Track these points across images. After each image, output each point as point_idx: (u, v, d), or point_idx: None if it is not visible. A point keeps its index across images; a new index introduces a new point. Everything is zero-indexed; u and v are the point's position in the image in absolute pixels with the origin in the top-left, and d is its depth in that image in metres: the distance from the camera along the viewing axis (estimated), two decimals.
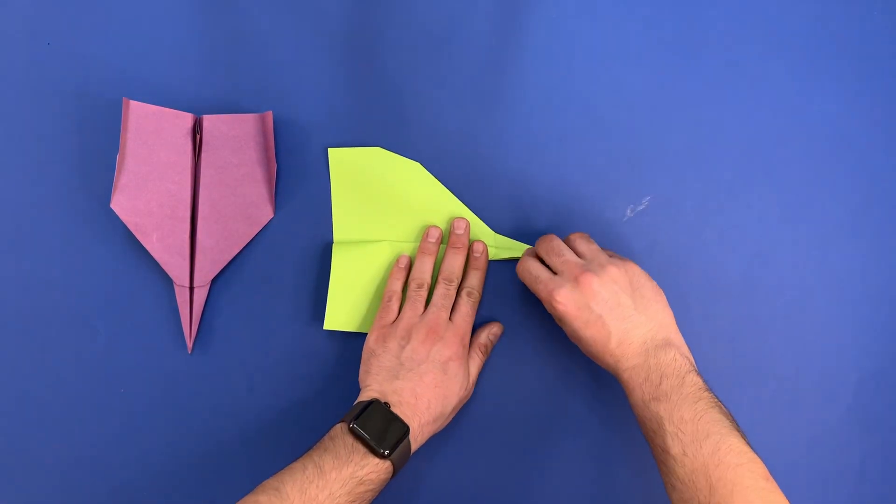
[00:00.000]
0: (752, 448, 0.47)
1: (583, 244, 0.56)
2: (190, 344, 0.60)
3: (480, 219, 0.62)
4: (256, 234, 0.61)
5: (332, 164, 0.61)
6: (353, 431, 0.49)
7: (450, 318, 0.56)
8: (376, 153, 0.61)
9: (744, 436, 0.48)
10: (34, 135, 0.61)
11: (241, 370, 0.61)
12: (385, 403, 0.51)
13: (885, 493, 0.62)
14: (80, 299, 0.60)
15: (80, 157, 0.61)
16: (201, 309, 0.60)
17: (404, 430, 0.50)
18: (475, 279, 0.59)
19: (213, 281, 0.60)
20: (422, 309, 0.57)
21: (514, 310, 0.61)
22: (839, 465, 0.61)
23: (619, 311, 0.51)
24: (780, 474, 0.47)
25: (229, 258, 0.60)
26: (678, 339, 0.52)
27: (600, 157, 0.62)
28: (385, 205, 0.61)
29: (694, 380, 0.49)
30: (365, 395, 0.53)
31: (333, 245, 0.61)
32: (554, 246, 0.55)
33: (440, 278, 0.58)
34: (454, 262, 0.59)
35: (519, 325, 0.61)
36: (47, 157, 0.61)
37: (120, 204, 0.58)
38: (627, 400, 0.52)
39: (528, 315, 0.61)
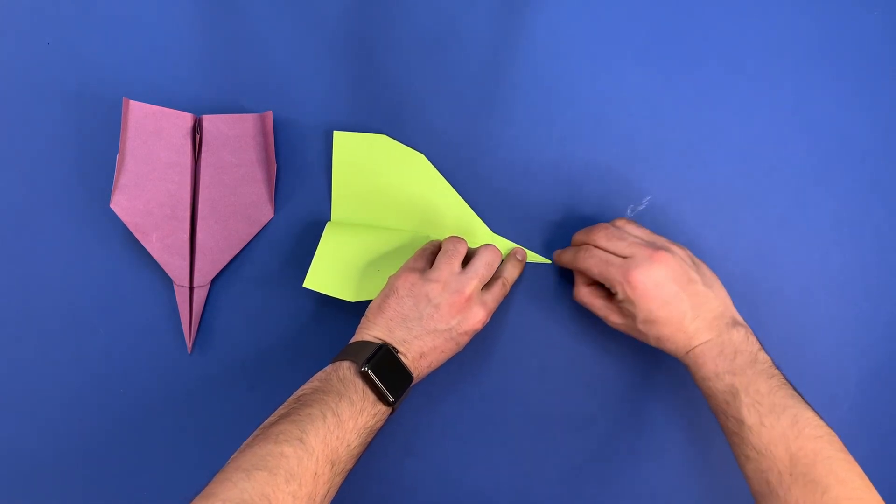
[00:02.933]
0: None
1: (635, 228, 0.56)
2: (190, 344, 0.60)
3: (480, 218, 0.62)
4: (256, 234, 0.61)
5: (337, 147, 0.61)
6: (365, 377, 0.49)
7: (483, 293, 0.54)
8: (382, 140, 0.61)
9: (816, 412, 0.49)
10: (34, 135, 0.61)
11: (241, 370, 0.61)
12: (393, 348, 0.51)
13: (884, 493, 0.62)
14: (80, 299, 0.60)
15: (80, 157, 0.61)
16: (201, 309, 0.60)
17: (410, 379, 0.50)
18: (513, 270, 0.58)
19: (213, 281, 0.60)
20: (458, 267, 0.54)
21: (513, 309, 0.61)
22: None
23: (691, 287, 0.52)
24: None
25: (229, 258, 0.60)
26: (741, 318, 0.53)
27: (600, 157, 0.62)
28: (385, 192, 0.61)
29: (764, 357, 0.51)
30: (368, 333, 0.52)
31: (327, 224, 0.61)
32: (614, 231, 0.55)
33: (483, 246, 0.57)
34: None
35: (520, 325, 0.61)
36: (47, 157, 0.61)
37: (120, 204, 0.58)
38: (693, 377, 0.53)
39: (527, 315, 0.61)
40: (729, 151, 0.63)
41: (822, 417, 0.48)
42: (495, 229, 0.62)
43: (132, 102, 0.58)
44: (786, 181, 0.63)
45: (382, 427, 0.51)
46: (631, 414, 0.61)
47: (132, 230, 0.58)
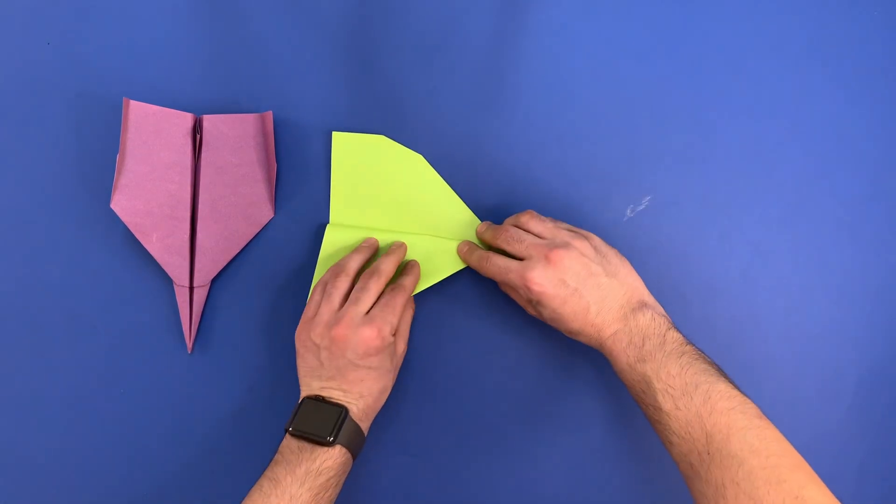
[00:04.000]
0: (741, 390, 0.48)
1: (537, 224, 0.56)
2: (190, 344, 0.60)
3: (479, 218, 0.62)
4: (256, 234, 0.61)
5: (335, 147, 0.61)
6: (292, 433, 0.51)
7: (368, 311, 0.53)
8: (380, 141, 0.61)
9: (731, 380, 0.49)
10: (34, 135, 0.61)
11: (241, 370, 0.61)
12: (317, 397, 0.52)
13: (885, 493, 0.62)
14: (80, 299, 0.60)
15: (80, 157, 0.61)
16: (201, 309, 0.60)
17: (340, 412, 0.51)
18: (407, 280, 0.57)
19: (213, 281, 0.60)
20: (338, 304, 0.54)
21: (512, 310, 0.61)
22: (839, 465, 0.61)
23: (592, 280, 0.52)
24: None
25: (229, 258, 0.60)
26: (651, 300, 0.53)
27: (600, 157, 0.62)
28: (383, 193, 0.61)
29: (674, 336, 0.50)
30: (301, 397, 0.54)
31: (328, 226, 0.61)
32: (512, 234, 0.55)
33: (363, 274, 0.56)
34: (383, 261, 0.56)
35: (518, 325, 0.61)
36: (47, 157, 0.61)
37: (120, 204, 0.58)
38: (613, 369, 0.53)
39: (525, 316, 0.61)
40: (729, 151, 0.63)
41: (736, 386, 0.48)
42: None
43: (132, 102, 0.58)
44: (786, 181, 0.63)
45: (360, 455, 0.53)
46: (630, 414, 0.61)
47: (132, 230, 0.58)
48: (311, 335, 0.54)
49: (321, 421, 0.51)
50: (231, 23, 0.63)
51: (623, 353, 0.51)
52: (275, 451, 0.52)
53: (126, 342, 0.60)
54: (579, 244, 0.53)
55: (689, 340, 0.51)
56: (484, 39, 0.63)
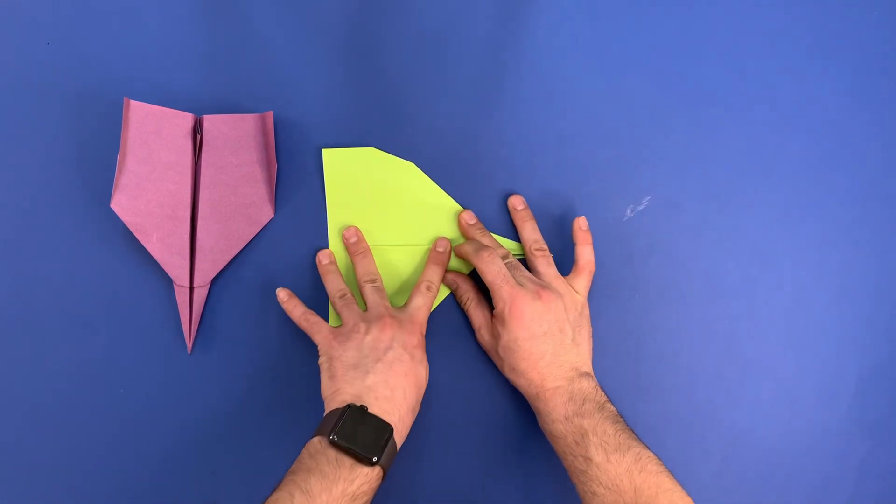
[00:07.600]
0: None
1: (544, 265, 0.58)
2: (190, 344, 0.60)
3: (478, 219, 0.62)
4: (256, 234, 0.61)
5: (327, 165, 0.61)
6: (334, 444, 0.47)
7: (404, 308, 0.57)
8: (370, 154, 0.61)
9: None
10: (34, 135, 0.61)
11: (241, 370, 0.61)
12: (361, 406, 0.50)
13: (885, 493, 0.62)
14: (80, 299, 0.60)
15: (80, 157, 0.61)
16: (201, 309, 0.60)
17: (388, 430, 0.49)
18: (434, 273, 0.59)
19: (213, 281, 0.60)
20: (357, 308, 0.56)
21: None
22: (839, 465, 0.61)
23: (559, 336, 0.54)
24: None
25: (229, 258, 0.60)
26: (593, 374, 0.56)
27: (600, 157, 0.62)
28: (379, 207, 0.61)
29: (611, 407, 0.53)
30: (337, 401, 0.51)
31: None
32: (511, 261, 0.57)
33: (359, 284, 0.58)
34: (363, 266, 0.59)
35: None
36: (47, 157, 0.61)
37: (120, 204, 0.58)
38: (540, 421, 0.55)
39: None
40: (729, 151, 0.63)
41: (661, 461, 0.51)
42: (493, 230, 0.62)
43: (133, 102, 0.58)
44: (785, 181, 0.63)
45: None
46: (632, 415, 0.61)
47: (132, 230, 0.58)
48: (348, 331, 0.54)
49: (367, 437, 0.48)
50: (231, 23, 0.63)
51: (563, 405, 0.53)
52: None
53: (126, 342, 0.60)
54: (569, 300, 0.56)
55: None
56: (484, 39, 0.63)
